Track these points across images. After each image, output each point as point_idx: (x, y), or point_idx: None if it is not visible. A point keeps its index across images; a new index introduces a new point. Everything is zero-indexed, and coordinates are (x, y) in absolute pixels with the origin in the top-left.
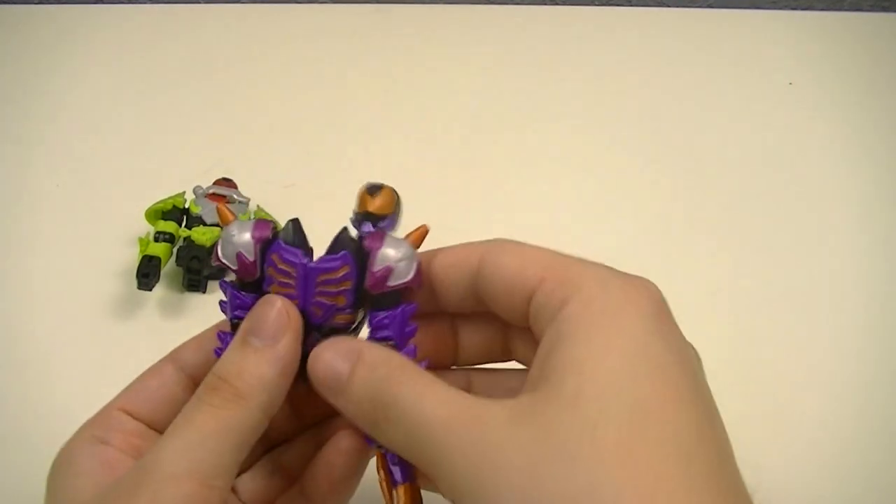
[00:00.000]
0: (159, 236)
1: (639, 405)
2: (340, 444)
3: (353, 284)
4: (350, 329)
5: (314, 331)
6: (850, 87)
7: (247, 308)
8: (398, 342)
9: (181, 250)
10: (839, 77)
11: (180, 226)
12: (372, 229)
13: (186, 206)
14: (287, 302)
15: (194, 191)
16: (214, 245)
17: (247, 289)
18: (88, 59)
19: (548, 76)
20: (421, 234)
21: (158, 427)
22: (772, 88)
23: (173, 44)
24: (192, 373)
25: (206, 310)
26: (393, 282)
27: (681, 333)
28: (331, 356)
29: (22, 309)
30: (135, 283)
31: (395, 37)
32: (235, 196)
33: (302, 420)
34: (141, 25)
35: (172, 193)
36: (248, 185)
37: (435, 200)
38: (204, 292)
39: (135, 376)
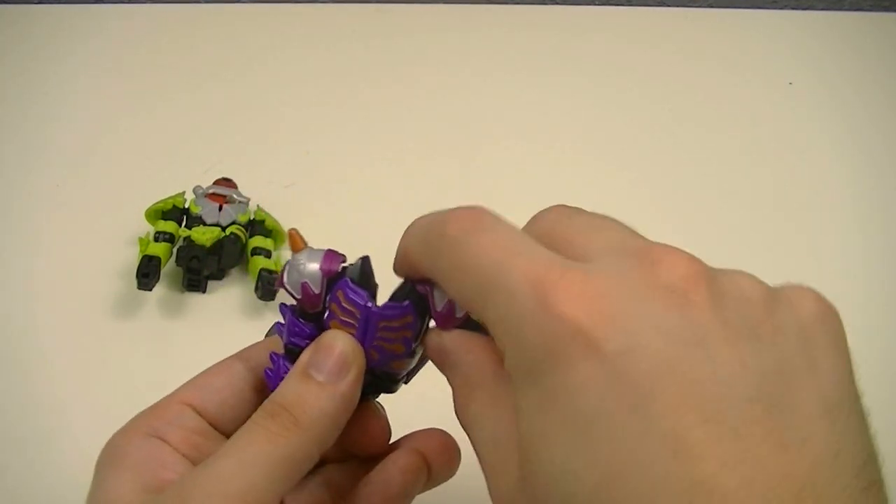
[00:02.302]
0: (159, 236)
1: None
2: (399, 461)
3: (413, 334)
4: (402, 376)
5: (367, 373)
6: (850, 87)
7: (304, 337)
8: None
9: (181, 250)
10: (839, 77)
11: (180, 226)
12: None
13: (186, 206)
14: (352, 340)
15: (194, 191)
16: (283, 269)
17: (307, 318)
18: (88, 59)
19: (548, 76)
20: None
21: (222, 426)
22: (772, 88)
23: (173, 44)
24: (259, 372)
25: (206, 310)
26: (459, 314)
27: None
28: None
29: (22, 309)
30: (135, 283)
31: (395, 37)
32: (235, 196)
33: (351, 452)
34: (141, 25)
35: (172, 193)
36: (248, 185)
37: (435, 200)
38: (204, 292)
39: (135, 376)
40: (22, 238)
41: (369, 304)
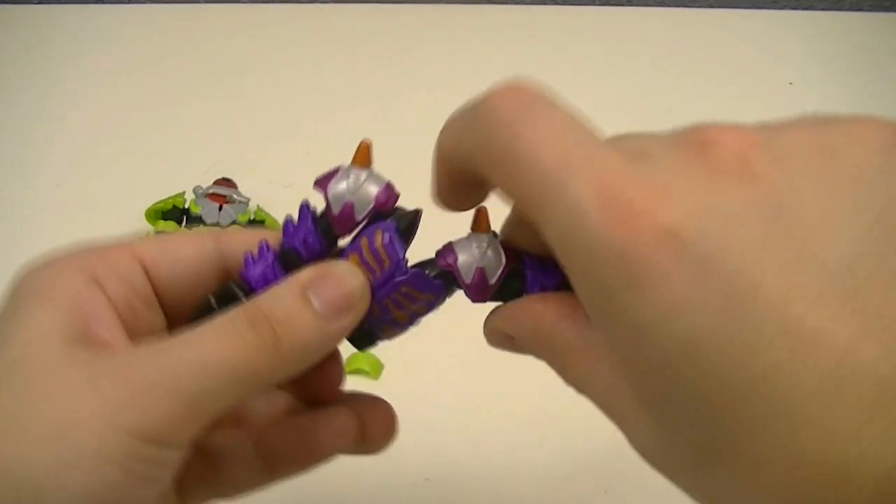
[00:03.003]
0: None
1: None
2: (335, 422)
3: (424, 312)
4: (380, 340)
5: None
6: (850, 87)
7: (311, 250)
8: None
9: None
10: (839, 77)
11: (180, 225)
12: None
13: (186, 206)
14: (365, 283)
15: (194, 191)
16: (331, 172)
17: (325, 234)
18: (88, 59)
19: (548, 76)
20: (483, 219)
21: (165, 300)
22: (772, 88)
23: (173, 44)
24: (233, 265)
25: None
26: (493, 280)
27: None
28: (494, 336)
29: None
30: None
31: (395, 37)
32: (235, 196)
33: (296, 386)
34: (141, 25)
35: (172, 193)
36: (248, 185)
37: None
38: None
39: None
40: (22, 238)
41: (402, 261)
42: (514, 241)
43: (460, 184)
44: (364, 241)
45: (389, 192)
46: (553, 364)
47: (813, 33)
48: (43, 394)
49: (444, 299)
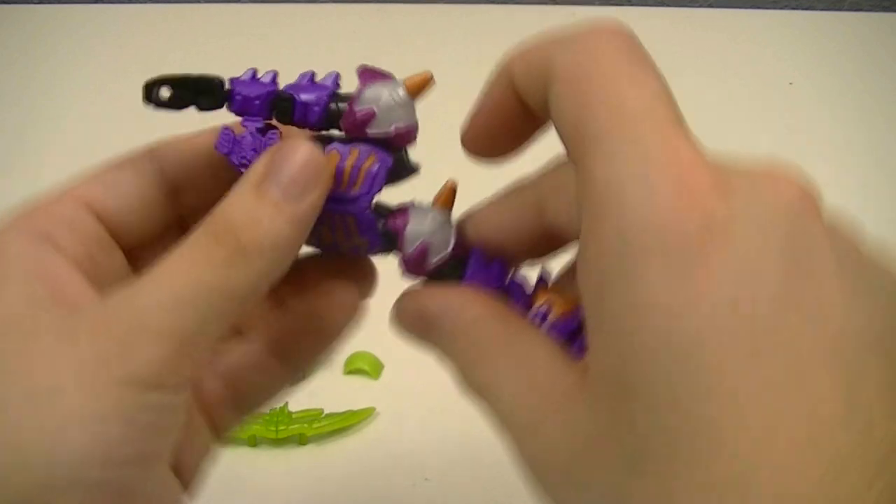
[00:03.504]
0: None
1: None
2: (340, 300)
3: (347, 251)
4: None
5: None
6: (850, 87)
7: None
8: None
9: None
10: (839, 77)
11: None
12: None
13: None
14: (319, 152)
15: None
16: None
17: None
18: (88, 59)
19: None
20: (449, 193)
21: (123, 237)
22: (772, 88)
23: (173, 44)
24: (175, 178)
25: None
26: (433, 259)
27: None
28: (408, 318)
29: None
30: None
31: (395, 37)
32: None
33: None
34: (141, 25)
35: None
36: None
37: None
38: None
39: None
40: None
41: (370, 197)
42: (483, 231)
43: (507, 117)
44: (354, 153)
45: (409, 127)
46: (467, 357)
47: (813, 33)
48: (20, 365)
49: (376, 254)
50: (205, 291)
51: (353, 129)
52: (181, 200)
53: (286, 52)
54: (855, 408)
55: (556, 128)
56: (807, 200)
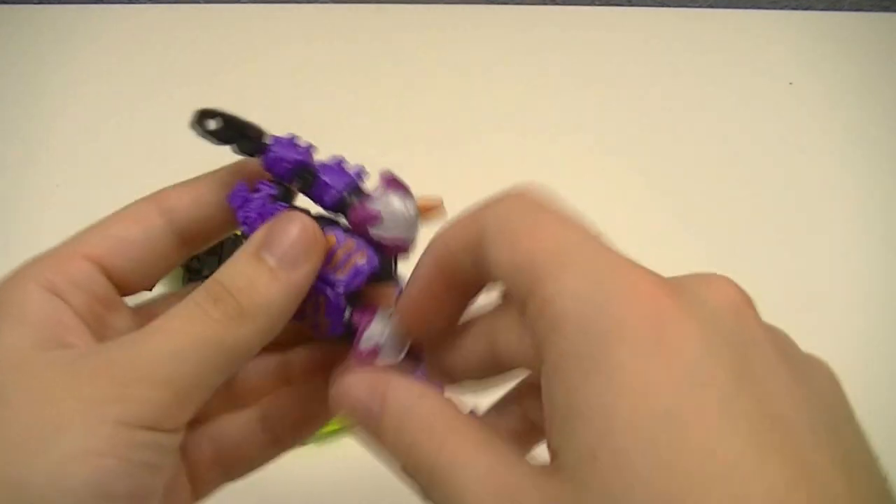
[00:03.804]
0: None
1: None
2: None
3: (310, 324)
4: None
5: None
6: (850, 87)
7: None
8: None
9: None
10: (839, 77)
11: None
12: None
13: None
14: (313, 224)
15: None
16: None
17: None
18: (88, 59)
19: (548, 76)
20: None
21: (134, 288)
22: (772, 88)
23: (173, 44)
24: (182, 228)
25: None
26: (383, 362)
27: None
28: (356, 392)
29: None
30: None
31: (395, 37)
32: None
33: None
34: (141, 25)
35: None
36: None
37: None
38: None
39: None
40: (22, 238)
41: (352, 287)
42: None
43: (449, 286)
44: (350, 244)
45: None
46: (423, 443)
47: (813, 33)
48: (24, 401)
49: (332, 337)
50: (202, 346)
51: (357, 223)
52: (188, 248)
53: (286, 52)
54: (814, 485)
55: (499, 276)
56: (744, 299)
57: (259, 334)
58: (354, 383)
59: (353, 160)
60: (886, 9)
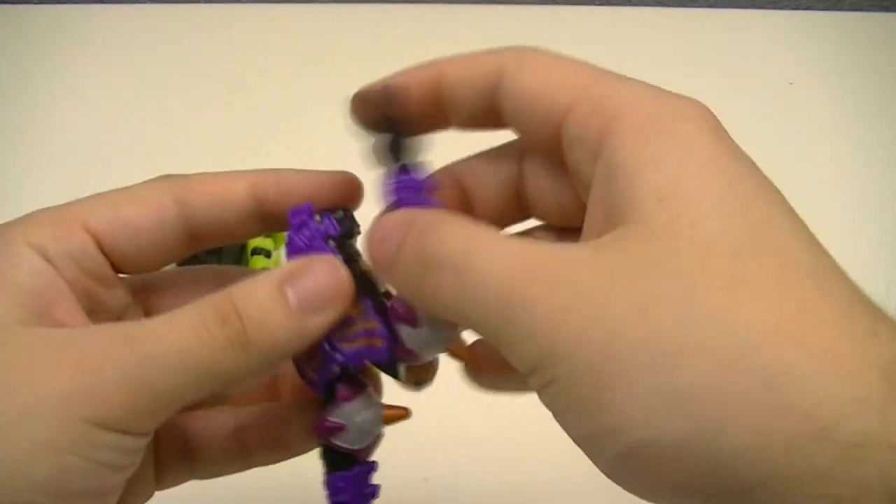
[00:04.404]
0: None
1: (747, 230)
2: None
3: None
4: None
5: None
6: (850, 87)
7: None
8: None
9: None
10: (839, 77)
11: None
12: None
13: None
14: (349, 279)
15: None
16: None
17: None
18: (88, 59)
19: None
20: (398, 416)
21: (124, 269)
22: (772, 88)
23: (173, 44)
24: (196, 225)
25: None
26: (337, 441)
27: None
28: (380, 232)
29: None
30: None
31: (395, 37)
32: None
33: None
34: (141, 25)
35: None
36: None
37: None
38: None
39: None
40: None
41: (355, 362)
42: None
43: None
44: (373, 323)
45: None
46: (464, 245)
47: (813, 33)
48: (2, 382)
49: (308, 390)
50: (194, 364)
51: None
52: (197, 244)
53: (286, 52)
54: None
55: (525, 101)
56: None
57: (256, 368)
58: (385, 218)
59: (351, 160)
60: (886, 9)
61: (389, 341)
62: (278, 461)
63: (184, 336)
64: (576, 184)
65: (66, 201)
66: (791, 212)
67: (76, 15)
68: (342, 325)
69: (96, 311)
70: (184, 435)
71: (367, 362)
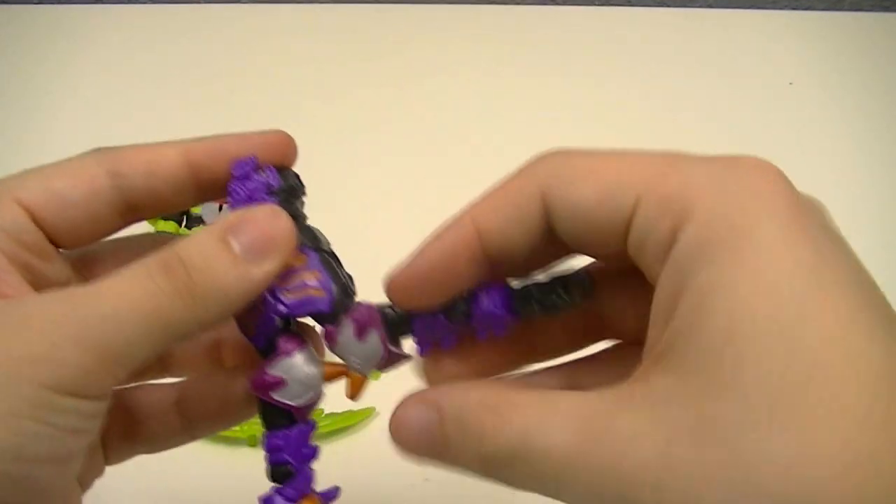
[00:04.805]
0: None
1: (806, 370)
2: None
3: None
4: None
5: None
6: (850, 87)
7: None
8: (296, 466)
9: None
10: (839, 77)
11: (180, 226)
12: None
13: None
14: (292, 227)
15: None
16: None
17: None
18: (88, 59)
19: (548, 76)
20: (338, 373)
21: (60, 242)
22: (772, 88)
23: (173, 44)
24: (131, 196)
25: None
26: (277, 396)
27: (820, 216)
28: (413, 412)
29: None
30: None
31: (395, 37)
32: None
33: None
34: (141, 25)
35: None
36: None
37: (434, 200)
38: None
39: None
40: None
41: (286, 315)
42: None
43: (468, 262)
44: (316, 274)
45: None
46: (488, 425)
47: (813, 33)
48: None
49: (253, 344)
50: (142, 316)
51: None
52: (135, 215)
53: (286, 52)
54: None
55: (584, 211)
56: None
57: (204, 318)
58: (408, 406)
59: (352, 159)
60: (886, 9)
61: (331, 293)
62: (222, 430)
63: (129, 289)
64: (646, 275)
65: None
66: (872, 330)
67: (76, 15)
68: (285, 276)
69: (38, 285)
70: (128, 410)
71: (310, 313)
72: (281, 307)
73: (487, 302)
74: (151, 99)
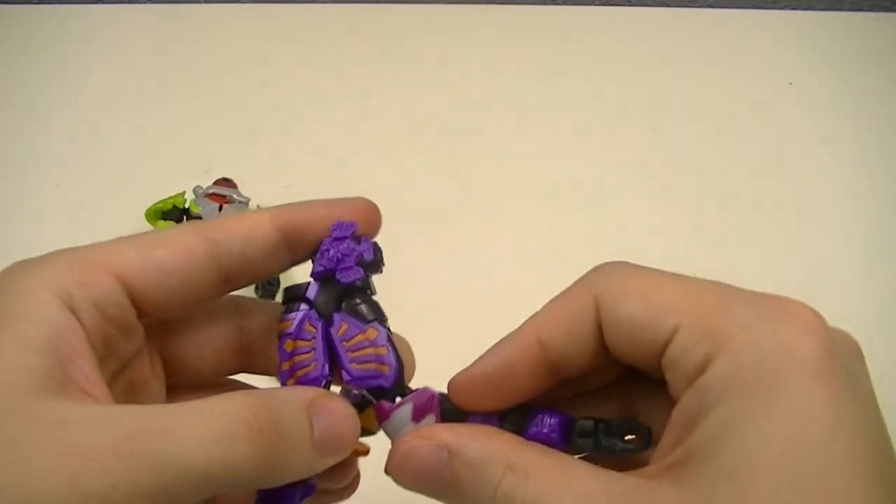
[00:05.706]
0: None
1: None
2: None
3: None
4: None
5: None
6: (850, 87)
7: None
8: None
9: None
10: (839, 77)
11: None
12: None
13: (186, 205)
14: (358, 426)
15: (194, 191)
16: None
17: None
18: (88, 59)
19: (548, 76)
20: (360, 452)
21: (148, 311)
22: (772, 88)
23: (173, 44)
24: (226, 264)
25: None
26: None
27: (857, 371)
28: (421, 450)
29: None
30: None
31: (395, 37)
32: (235, 196)
33: None
34: (141, 25)
35: (172, 193)
36: (248, 186)
37: (434, 200)
38: None
39: None
40: (22, 238)
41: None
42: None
43: (530, 369)
44: (382, 350)
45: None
46: (506, 481)
47: (813, 33)
48: (7, 462)
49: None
50: (210, 474)
51: (379, 418)
52: (230, 285)
53: (286, 52)
54: None
55: (629, 327)
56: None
57: (265, 485)
58: (413, 442)
59: (352, 159)
60: (886, 9)
61: (395, 371)
62: None
63: (209, 442)
64: (669, 388)
65: (65, 201)
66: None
67: (76, 15)
68: (357, 346)
69: (107, 358)
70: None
71: (371, 385)
72: (345, 375)
73: (544, 423)
74: (151, 99)
